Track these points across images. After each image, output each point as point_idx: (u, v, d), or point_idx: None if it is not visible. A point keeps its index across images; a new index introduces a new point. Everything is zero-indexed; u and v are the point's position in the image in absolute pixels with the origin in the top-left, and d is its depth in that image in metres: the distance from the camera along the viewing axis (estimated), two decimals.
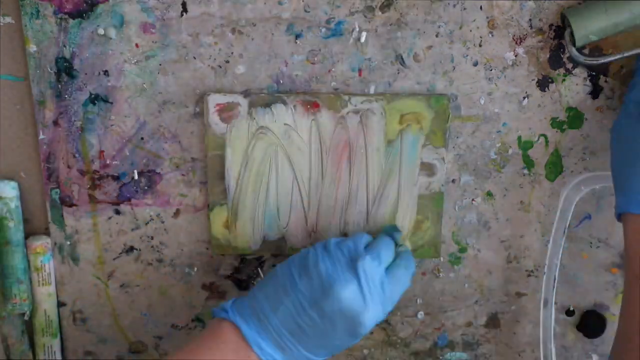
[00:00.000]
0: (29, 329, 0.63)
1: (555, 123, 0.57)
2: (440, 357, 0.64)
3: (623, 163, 0.51)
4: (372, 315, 0.50)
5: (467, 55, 0.55)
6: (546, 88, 0.56)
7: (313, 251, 0.52)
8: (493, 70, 0.56)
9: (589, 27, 0.51)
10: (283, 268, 0.53)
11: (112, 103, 0.57)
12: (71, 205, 0.60)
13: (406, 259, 0.54)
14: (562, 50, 0.55)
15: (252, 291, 0.53)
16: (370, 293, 0.50)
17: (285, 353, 0.51)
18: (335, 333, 0.51)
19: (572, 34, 0.52)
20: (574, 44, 0.52)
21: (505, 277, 0.62)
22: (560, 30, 0.54)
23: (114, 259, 0.62)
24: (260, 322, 0.51)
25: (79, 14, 0.54)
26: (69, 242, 0.61)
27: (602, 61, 0.52)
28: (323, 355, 0.53)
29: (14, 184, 0.59)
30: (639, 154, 0.50)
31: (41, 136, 0.58)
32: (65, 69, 0.56)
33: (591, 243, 0.61)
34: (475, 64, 0.56)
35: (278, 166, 0.57)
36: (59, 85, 0.56)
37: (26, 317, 0.62)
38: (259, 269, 0.62)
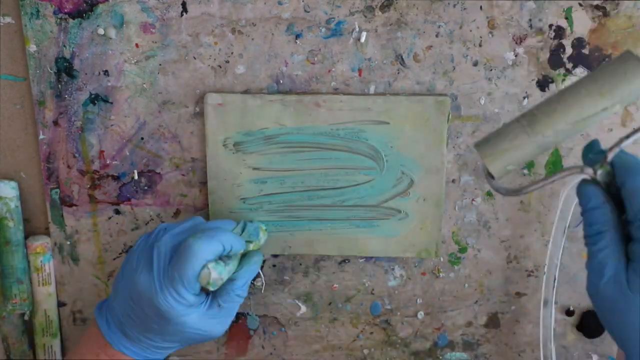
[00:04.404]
0: (29, 329, 0.63)
1: None
2: (440, 357, 0.64)
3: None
4: (164, 298, 0.51)
5: (467, 55, 0.55)
6: (546, 88, 0.56)
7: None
8: (493, 70, 0.56)
9: (503, 160, 0.44)
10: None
11: (112, 103, 0.57)
12: (71, 205, 0.60)
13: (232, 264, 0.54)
14: (562, 50, 0.55)
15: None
16: (160, 277, 0.51)
17: (134, 342, 0.54)
18: (148, 317, 0.52)
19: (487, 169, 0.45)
20: (492, 177, 0.45)
21: (505, 277, 0.62)
22: (561, 30, 0.54)
23: (114, 259, 0.62)
24: (109, 310, 0.55)
25: (79, 14, 0.54)
26: (69, 242, 0.61)
27: (524, 192, 0.45)
28: (170, 343, 0.54)
29: (14, 184, 0.59)
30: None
31: (41, 136, 0.58)
32: (65, 69, 0.56)
33: None
34: (475, 64, 0.56)
35: (277, 165, 0.57)
36: (59, 85, 0.56)
37: (26, 317, 0.62)
38: (259, 269, 0.62)
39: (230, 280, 0.54)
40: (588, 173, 0.43)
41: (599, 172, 0.42)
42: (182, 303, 0.51)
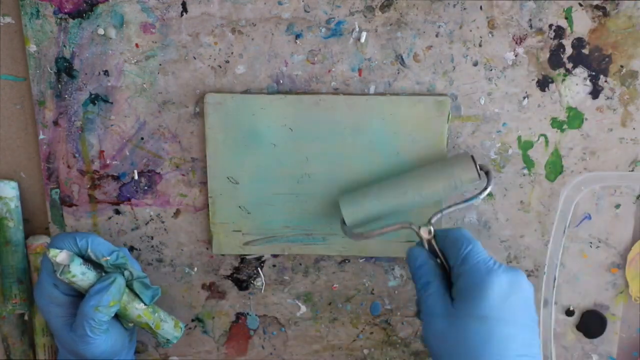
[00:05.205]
0: (29, 329, 0.63)
1: (555, 123, 0.57)
2: None
3: None
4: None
5: (467, 55, 0.55)
6: (546, 88, 0.56)
7: None
8: (493, 70, 0.56)
9: (355, 213, 0.55)
10: None
11: (112, 103, 0.57)
12: (71, 205, 0.60)
13: None
14: (562, 50, 0.55)
15: None
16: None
17: None
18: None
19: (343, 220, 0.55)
20: (344, 223, 0.55)
21: None
22: (561, 30, 0.54)
23: None
24: None
25: (79, 14, 0.54)
26: None
27: (369, 237, 0.54)
28: None
29: (14, 184, 0.59)
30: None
31: (41, 136, 0.58)
32: (65, 69, 0.56)
33: (591, 243, 0.61)
34: (475, 64, 0.56)
35: (277, 166, 0.57)
36: (59, 85, 0.56)
37: (26, 317, 0.62)
38: (259, 269, 0.62)
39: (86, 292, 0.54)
40: (414, 228, 0.52)
41: (422, 228, 0.52)
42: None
